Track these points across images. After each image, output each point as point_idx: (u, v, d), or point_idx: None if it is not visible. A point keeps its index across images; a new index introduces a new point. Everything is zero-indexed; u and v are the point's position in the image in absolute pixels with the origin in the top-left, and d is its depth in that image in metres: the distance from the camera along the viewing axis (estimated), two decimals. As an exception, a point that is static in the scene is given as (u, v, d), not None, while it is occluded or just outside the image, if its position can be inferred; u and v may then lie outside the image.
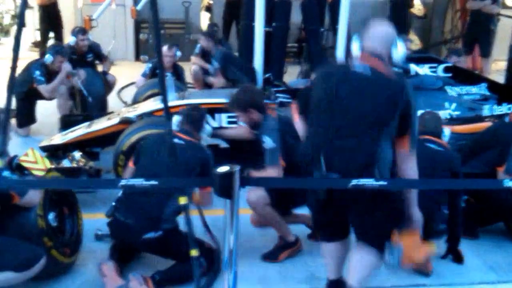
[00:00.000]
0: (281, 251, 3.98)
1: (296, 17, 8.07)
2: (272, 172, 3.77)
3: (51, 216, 3.53)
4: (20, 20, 2.35)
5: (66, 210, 3.79)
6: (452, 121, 5.21)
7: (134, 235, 3.52)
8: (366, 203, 2.97)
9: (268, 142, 3.81)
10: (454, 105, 5.38)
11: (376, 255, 3.10)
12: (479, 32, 9.46)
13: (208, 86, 7.68)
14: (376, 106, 2.91)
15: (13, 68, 2.63)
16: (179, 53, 7.03)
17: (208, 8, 12.84)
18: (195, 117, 4.03)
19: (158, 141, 3.83)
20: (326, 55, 8.02)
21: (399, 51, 3.06)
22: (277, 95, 5.65)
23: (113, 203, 3.70)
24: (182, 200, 2.45)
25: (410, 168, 3.07)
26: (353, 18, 6.71)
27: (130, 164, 3.94)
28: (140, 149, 3.93)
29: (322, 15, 7.73)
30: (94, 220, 4.17)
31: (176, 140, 3.62)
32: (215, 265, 3.65)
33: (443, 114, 5.16)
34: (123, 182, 2.55)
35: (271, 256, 3.96)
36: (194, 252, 2.51)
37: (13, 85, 2.54)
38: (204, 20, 12.37)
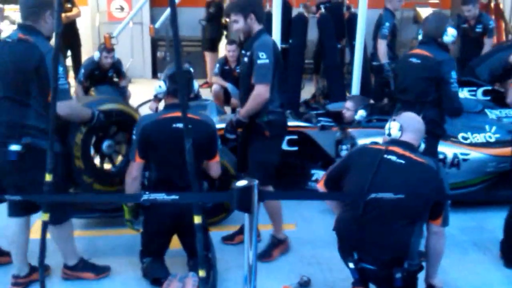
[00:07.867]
0: (273, 248, 4.12)
1: (312, 33, 8.09)
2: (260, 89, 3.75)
3: (105, 143, 4.04)
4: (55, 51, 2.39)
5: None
6: (493, 144, 5.18)
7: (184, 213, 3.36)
8: None
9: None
10: (494, 128, 5.33)
11: None
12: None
13: (228, 103, 7.75)
14: (410, 197, 2.99)
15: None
16: None
17: (225, 26, 12.92)
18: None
19: (162, 130, 3.60)
20: (343, 71, 8.01)
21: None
22: (319, 118, 5.64)
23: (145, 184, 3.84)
24: (197, 220, 2.41)
25: (441, 244, 3.20)
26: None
27: (137, 159, 3.63)
28: (148, 140, 3.61)
29: (339, 31, 7.73)
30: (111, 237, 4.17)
31: (179, 125, 3.52)
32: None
33: (484, 136, 5.22)
34: (145, 196, 2.55)
35: (265, 255, 4.05)
36: (201, 273, 2.47)
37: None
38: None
